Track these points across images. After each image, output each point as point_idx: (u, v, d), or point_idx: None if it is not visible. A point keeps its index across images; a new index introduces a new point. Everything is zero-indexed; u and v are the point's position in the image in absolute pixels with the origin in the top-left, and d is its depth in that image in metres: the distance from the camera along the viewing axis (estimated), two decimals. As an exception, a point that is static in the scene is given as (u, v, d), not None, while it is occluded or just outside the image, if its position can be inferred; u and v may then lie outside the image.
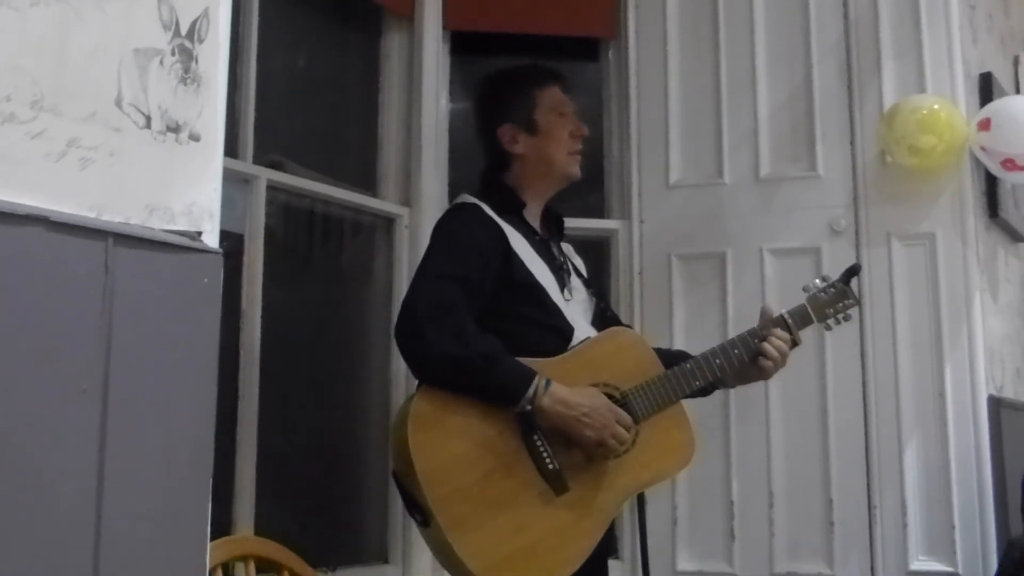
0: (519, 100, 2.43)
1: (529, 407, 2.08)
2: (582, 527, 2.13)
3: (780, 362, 2.35)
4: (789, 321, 2.39)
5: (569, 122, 2.44)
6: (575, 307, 2.36)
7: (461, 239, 2.28)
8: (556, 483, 2.11)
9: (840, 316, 2.45)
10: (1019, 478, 2.65)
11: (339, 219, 3.27)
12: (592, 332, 2.33)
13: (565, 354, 2.24)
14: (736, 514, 3.26)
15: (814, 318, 2.42)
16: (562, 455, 2.12)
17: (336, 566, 2.96)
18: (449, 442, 2.09)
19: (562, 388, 2.12)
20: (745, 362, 2.36)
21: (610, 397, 2.20)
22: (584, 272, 2.53)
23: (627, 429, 2.17)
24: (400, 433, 2.09)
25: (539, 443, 2.11)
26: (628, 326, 2.61)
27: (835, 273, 2.53)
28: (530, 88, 2.44)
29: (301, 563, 2.24)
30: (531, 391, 2.08)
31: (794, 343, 2.40)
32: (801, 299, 2.45)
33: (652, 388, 2.25)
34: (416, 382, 2.25)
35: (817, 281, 2.46)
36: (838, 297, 2.44)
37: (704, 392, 2.45)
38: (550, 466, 2.10)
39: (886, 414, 3.16)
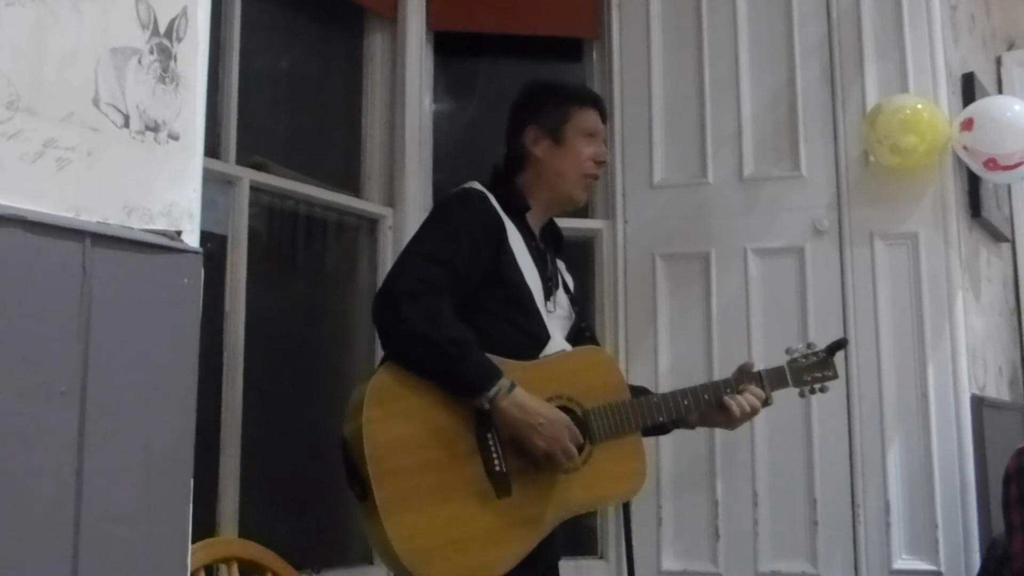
0: (555, 108, 2.43)
1: (488, 405, 2.07)
2: (517, 533, 2.10)
3: (747, 418, 2.37)
4: (764, 379, 2.40)
5: (595, 146, 2.43)
6: (555, 319, 2.35)
7: (457, 224, 2.23)
8: (500, 485, 2.08)
9: (817, 386, 2.46)
10: (1001, 477, 2.65)
11: (323, 220, 3.27)
12: (566, 347, 2.32)
13: (533, 361, 2.23)
14: (720, 514, 3.27)
15: (790, 382, 2.43)
16: (512, 459, 2.10)
17: (321, 567, 2.95)
18: (402, 422, 2.07)
19: (524, 394, 2.10)
20: (713, 408, 2.36)
21: (571, 413, 2.18)
22: (572, 290, 2.51)
23: (579, 448, 2.15)
24: (356, 403, 2.07)
25: (491, 443, 2.09)
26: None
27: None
28: (570, 103, 2.44)
29: (285, 565, 2.23)
30: (494, 390, 2.07)
31: (765, 402, 2.41)
32: (782, 360, 2.47)
33: (614, 412, 2.23)
34: (375, 364, 2.25)
35: (801, 346, 2.48)
36: (819, 367, 2.46)
37: (663, 430, 2.46)
38: (497, 467, 2.08)
39: (869, 413, 3.17)
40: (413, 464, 2.05)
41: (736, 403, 2.35)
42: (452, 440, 2.09)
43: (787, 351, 2.47)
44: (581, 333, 2.45)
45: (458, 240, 2.19)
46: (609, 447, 2.21)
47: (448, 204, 2.31)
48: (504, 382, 2.08)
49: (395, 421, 2.07)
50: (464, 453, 2.09)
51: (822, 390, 2.47)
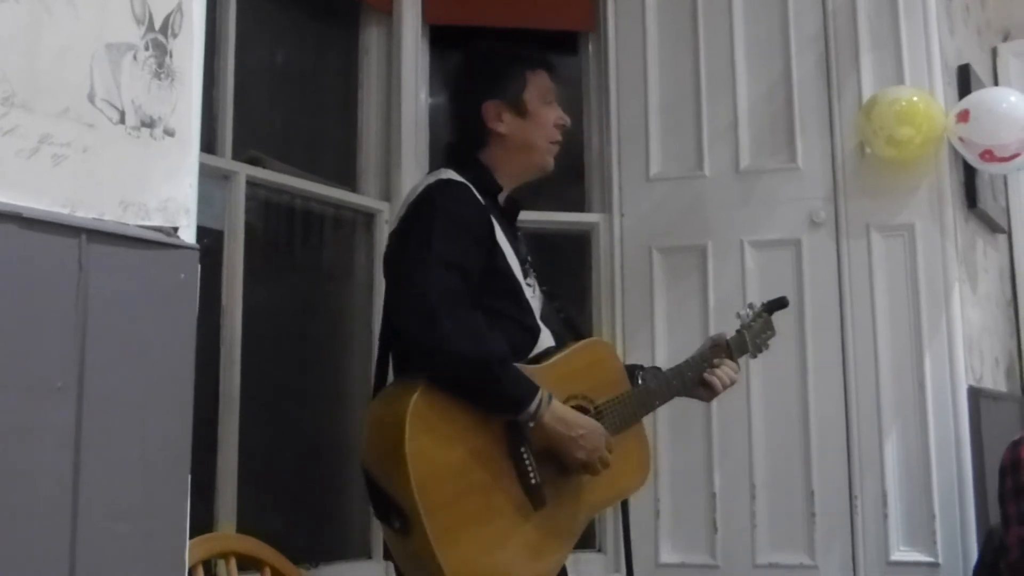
0: (510, 78, 2.29)
1: (532, 423, 2.01)
2: (554, 544, 2.09)
3: (722, 390, 2.40)
4: (732, 349, 2.43)
5: (554, 111, 2.33)
6: (535, 301, 2.28)
7: (458, 223, 2.11)
8: (536, 498, 2.04)
9: (763, 347, 2.52)
10: (998, 468, 2.66)
11: (319, 215, 3.26)
12: (546, 331, 2.24)
13: (545, 363, 2.16)
14: (718, 506, 3.28)
15: (750, 347, 2.48)
16: (543, 470, 2.06)
17: (318, 562, 2.95)
18: (444, 449, 1.97)
19: (561, 405, 2.06)
20: (693, 384, 2.39)
21: (584, 410, 2.15)
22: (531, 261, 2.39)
23: (611, 452, 2.13)
24: (394, 434, 1.92)
25: (526, 456, 2.03)
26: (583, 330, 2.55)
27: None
28: (522, 68, 2.32)
29: (282, 559, 2.23)
30: (535, 404, 2.00)
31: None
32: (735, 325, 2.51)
33: (622, 404, 2.22)
34: (372, 381, 2.20)
35: (746, 310, 2.53)
36: (764, 327, 2.52)
37: None
38: (533, 480, 2.03)
39: (866, 405, 3.18)
40: (459, 491, 1.97)
41: (719, 379, 2.39)
42: (489, 459, 2.01)
43: (737, 315, 2.52)
44: (556, 314, 2.36)
45: (462, 240, 2.09)
46: (619, 441, 2.19)
47: (437, 200, 2.15)
48: (543, 395, 2.01)
49: (438, 449, 1.96)
50: (501, 470, 2.02)
51: (766, 348, 2.53)
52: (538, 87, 2.32)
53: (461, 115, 2.33)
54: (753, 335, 2.48)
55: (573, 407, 2.12)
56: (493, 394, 2.00)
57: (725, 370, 2.39)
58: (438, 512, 1.91)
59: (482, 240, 2.14)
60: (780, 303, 2.55)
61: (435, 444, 1.95)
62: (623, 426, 2.21)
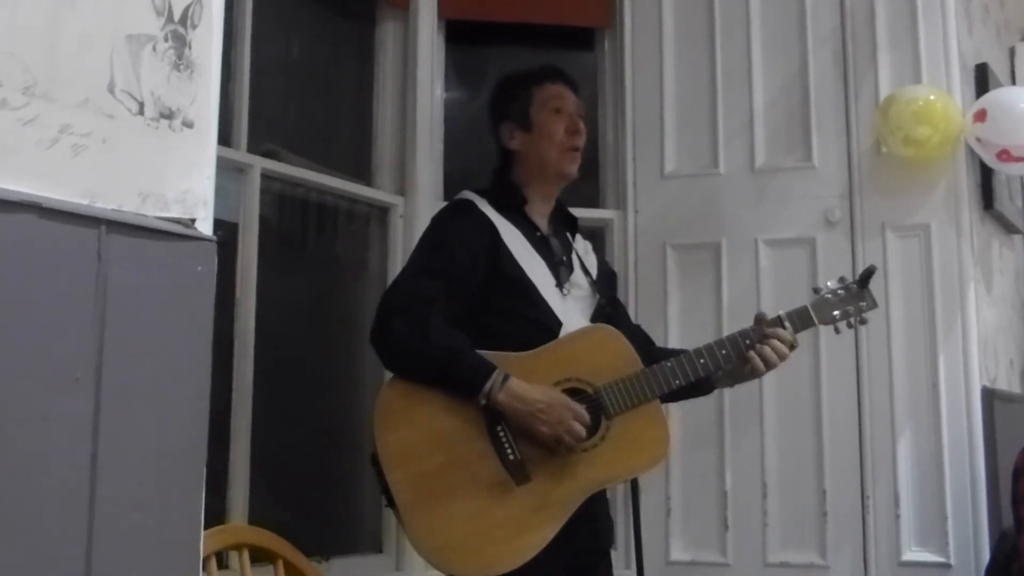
0: (517, 98, 2.45)
1: (485, 401, 2.13)
2: (540, 517, 2.14)
3: (774, 365, 2.29)
4: (787, 324, 2.32)
5: (565, 119, 2.42)
6: (572, 303, 2.35)
7: (445, 236, 2.31)
8: (517, 473, 2.14)
9: (852, 319, 2.35)
10: (1011, 470, 2.65)
11: (333, 208, 3.27)
12: (575, 327, 2.31)
13: (538, 348, 2.24)
14: (729, 504, 3.27)
15: (815, 320, 2.34)
16: (526, 447, 2.15)
17: (330, 555, 2.96)
18: (411, 430, 2.16)
19: (519, 383, 2.15)
20: (733, 362, 2.30)
21: (582, 392, 2.20)
22: (593, 270, 2.50)
23: (586, 426, 2.17)
24: (370, 419, 2.19)
25: (502, 434, 2.15)
26: (637, 325, 2.61)
27: (839, 269, 2.48)
28: (528, 86, 2.45)
29: (295, 552, 2.24)
30: (488, 385, 2.12)
31: (791, 346, 2.32)
32: (806, 299, 2.37)
33: (627, 385, 2.23)
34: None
35: (830, 283, 2.39)
36: (850, 299, 2.35)
37: (701, 391, 2.42)
38: (511, 456, 2.14)
39: (880, 405, 3.17)
40: (428, 468, 2.14)
41: (760, 354, 2.28)
42: (466, 440, 2.15)
43: (815, 289, 2.40)
44: (603, 311, 2.42)
45: (448, 251, 2.26)
46: (627, 420, 2.22)
47: (435, 220, 2.39)
48: (497, 376, 2.13)
49: (404, 431, 2.16)
50: (479, 450, 2.15)
51: (861, 322, 2.37)
52: (543, 99, 2.44)
53: (493, 141, 2.49)
54: (822, 306, 2.34)
55: (565, 389, 2.20)
56: (444, 381, 2.15)
57: (773, 342, 2.28)
58: (405, 485, 2.13)
59: (478, 249, 2.29)
60: (869, 272, 2.37)
61: (402, 426, 2.16)
62: (630, 405, 2.22)
